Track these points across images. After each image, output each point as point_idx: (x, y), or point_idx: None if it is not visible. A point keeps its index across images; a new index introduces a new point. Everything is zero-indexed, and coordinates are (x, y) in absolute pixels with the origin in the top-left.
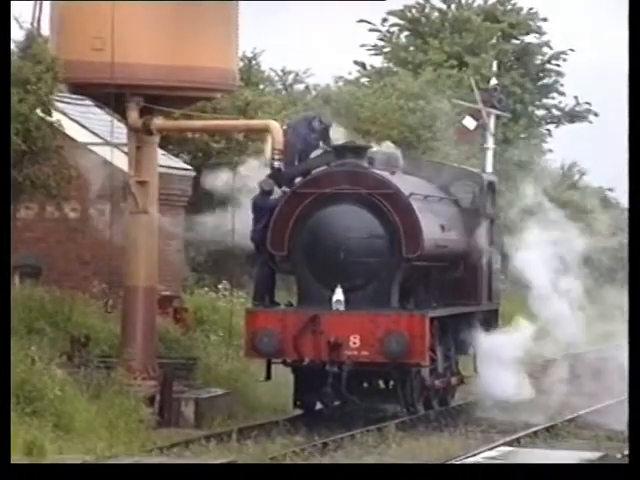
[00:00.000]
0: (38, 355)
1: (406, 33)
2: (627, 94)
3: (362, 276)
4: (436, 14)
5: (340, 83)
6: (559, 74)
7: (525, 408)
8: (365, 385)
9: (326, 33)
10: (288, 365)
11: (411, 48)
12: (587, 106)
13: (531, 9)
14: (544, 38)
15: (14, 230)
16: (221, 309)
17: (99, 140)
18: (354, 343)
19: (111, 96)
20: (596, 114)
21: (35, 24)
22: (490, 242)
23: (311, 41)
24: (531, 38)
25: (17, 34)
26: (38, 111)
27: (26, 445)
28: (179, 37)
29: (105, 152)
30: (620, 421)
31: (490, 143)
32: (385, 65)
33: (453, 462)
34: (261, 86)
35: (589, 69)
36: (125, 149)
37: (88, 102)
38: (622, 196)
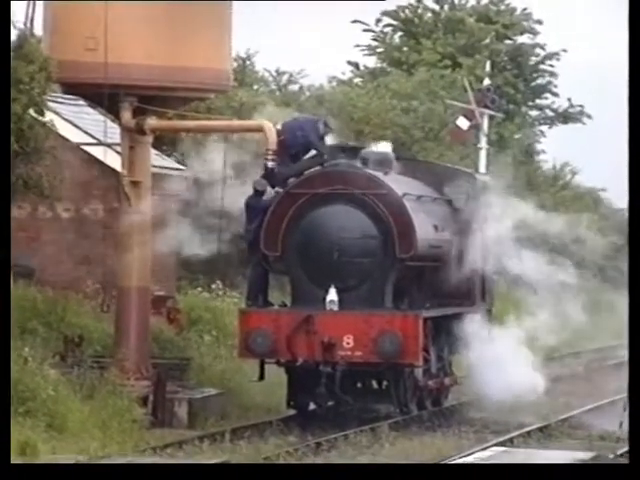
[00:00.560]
0: (31, 355)
1: (400, 33)
2: (627, 94)
3: (356, 276)
4: (429, 15)
5: (334, 83)
6: (552, 75)
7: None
8: (359, 385)
9: (320, 34)
10: (282, 365)
11: (404, 48)
12: (580, 107)
13: (525, 9)
14: (538, 39)
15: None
16: (214, 309)
17: (92, 140)
18: (348, 343)
19: (104, 96)
20: (589, 116)
21: (28, 24)
22: (483, 242)
23: (305, 42)
24: (525, 38)
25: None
26: (31, 111)
27: (19, 445)
28: (173, 37)
29: (98, 152)
30: (612, 421)
31: (483, 143)
32: (378, 65)
33: (446, 462)
34: (255, 87)
35: (582, 70)
36: (118, 149)
37: (81, 102)
38: (615, 196)
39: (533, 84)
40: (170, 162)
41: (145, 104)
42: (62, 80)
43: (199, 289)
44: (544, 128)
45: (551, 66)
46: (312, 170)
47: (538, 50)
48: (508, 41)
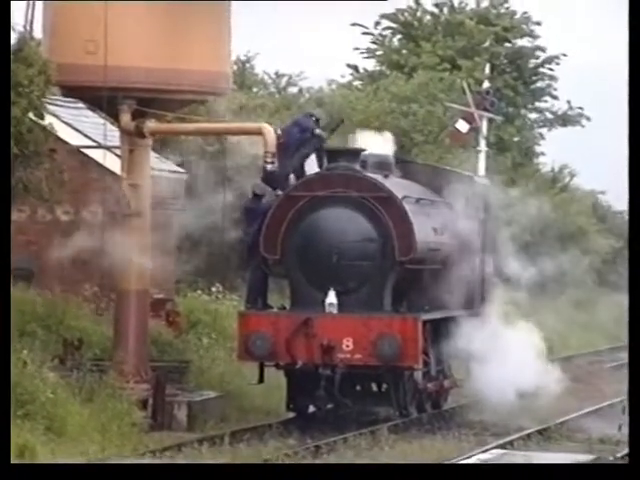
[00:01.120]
0: (30, 358)
1: (399, 36)
2: (627, 96)
3: (355, 279)
4: (428, 17)
5: (333, 86)
6: (552, 78)
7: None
8: (358, 388)
9: (319, 36)
10: (281, 368)
11: (404, 51)
12: (580, 110)
13: (525, 13)
14: (537, 42)
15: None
16: (214, 312)
17: (92, 143)
18: (347, 346)
19: (104, 99)
20: (588, 118)
21: (27, 27)
22: (482, 245)
23: (304, 44)
24: (524, 42)
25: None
26: (30, 114)
27: (18, 448)
28: (172, 40)
29: (97, 155)
30: (611, 424)
31: (483, 146)
32: (378, 68)
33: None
34: (255, 89)
35: (582, 72)
36: (118, 152)
37: (81, 105)
38: (614, 199)
39: (533, 87)
40: (170, 165)
41: (144, 107)
42: (62, 83)
43: (198, 292)
44: (543, 131)
45: (550, 69)
46: (312, 173)
47: (538, 53)
48: (508, 44)
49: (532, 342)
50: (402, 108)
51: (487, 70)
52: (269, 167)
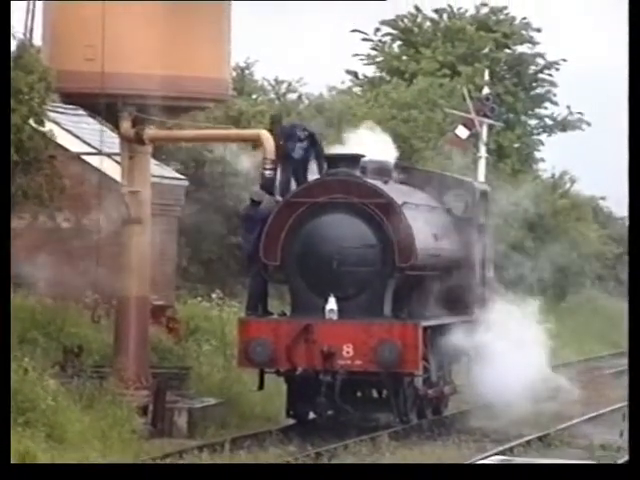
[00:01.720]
0: (31, 365)
1: (399, 43)
2: (627, 97)
3: (355, 285)
4: (428, 24)
5: (333, 92)
6: (552, 84)
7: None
8: (358, 394)
9: (319, 43)
10: (281, 374)
11: (404, 57)
12: (579, 115)
13: (524, 19)
14: (537, 48)
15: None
16: (214, 318)
17: (92, 150)
18: (347, 352)
19: (104, 106)
20: (588, 123)
21: (27, 34)
22: (483, 251)
23: (304, 51)
24: (524, 48)
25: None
26: (31, 121)
27: (19, 455)
28: (172, 47)
29: (97, 162)
30: (612, 430)
31: (483, 152)
32: (378, 75)
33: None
34: (254, 96)
35: (581, 77)
36: (118, 159)
37: (81, 112)
38: (614, 205)
39: (532, 93)
40: (170, 171)
41: (144, 114)
42: (61, 90)
43: (198, 298)
44: (543, 137)
45: (550, 75)
46: (312, 179)
47: (538, 59)
48: (508, 50)
49: (533, 348)
50: (402, 114)
51: (486, 76)
52: (268, 174)
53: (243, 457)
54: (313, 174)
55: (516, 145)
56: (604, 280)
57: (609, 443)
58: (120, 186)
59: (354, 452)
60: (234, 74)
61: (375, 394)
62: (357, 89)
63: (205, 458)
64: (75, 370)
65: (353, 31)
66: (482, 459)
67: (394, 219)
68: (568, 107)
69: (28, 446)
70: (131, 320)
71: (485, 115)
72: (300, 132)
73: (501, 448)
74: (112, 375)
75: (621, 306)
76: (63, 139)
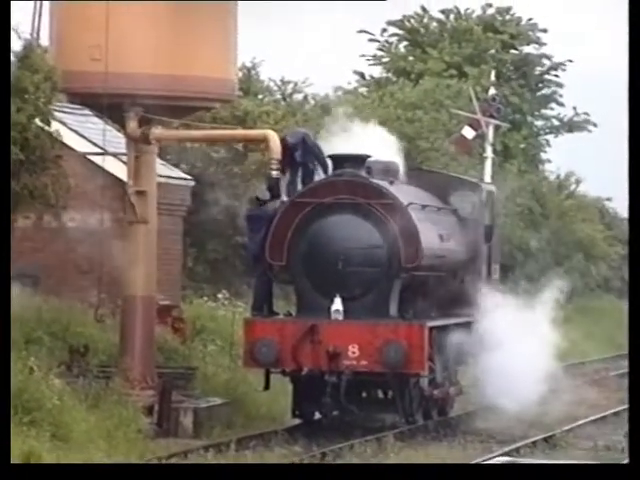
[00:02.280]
0: (36, 365)
1: (405, 43)
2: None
3: (361, 286)
4: (435, 24)
5: (339, 93)
6: (558, 84)
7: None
8: (364, 395)
9: (325, 43)
10: (287, 375)
11: (410, 58)
12: (586, 116)
13: (530, 20)
14: (543, 49)
15: (12, 240)
16: (220, 318)
17: (98, 149)
18: (353, 353)
19: (110, 106)
20: (595, 124)
21: (34, 34)
22: (489, 251)
23: (310, 51)
24: (530, 49)
25: (15, 44)
26: (37, 120)
27: (24, 455)
28: (178, 47)
29: (102, 161)
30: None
31: (489, 153)
32: (384, 75)
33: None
34: (260, 96)
35: (588, 78)
36: (124, 158)
37: (87, 112)
38: (620, 206)
39: (539, 94)
40: (176, 171)
41: (150, 114)
42: (68, 90)
43: (204, 298)
44: (549, 137)
45: (556, 76)
46: (318, 180)
47: (544, 60)
48: (514, 51)
49: (539, 349)
50: (407, 115)
51: (493, 77)
52: (274, 174)
53: (249, 457)
54: (319, 176)
55: (522, 146)
56: (610, 281)
57: (614, 444)
58: (126, 186)
59: (359, 452)
60: (240, 74)
61: (381, 395)
62: (363, 89)
63: (210, 458)
64: (81, 370)
65: (360, 32)
66: (488, 460)
67: (400, 220)
68: (574, 108)
69: (33, 446)
70: (137, 320)
71: (491, 116)
72: (287, 144)
73: (507, 449)
74: (118, 375)
75: (626, 307)
76: (69, 139)
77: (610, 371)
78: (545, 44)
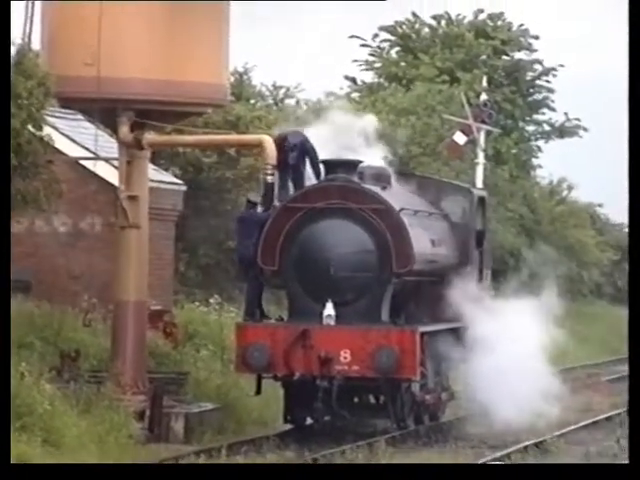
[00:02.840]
0: (27, 370)
1: (397, 48)
2: (627, 100)
3: (353, 291)
4: (426, 30)
5: (331, 98)
6: (549, 90)
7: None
8: (355, 400)
9: (317, 48)
10: (278, 380)
11: (402, 63)
12: (577, 122)
13: (522, 25)
14: (535, 54)
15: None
16: (211, 323)
17: (90, 154)
18: (345, 358)
19: (102, 110)
20: (586, 129)
21: (26, 39)
22: (480, 256)
23: (302, 56)
24: (522, 54)
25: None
26: (29, 126)
27: (16, 460)
28: (170, 52)
29: (94, 166)
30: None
31: (480, 158)
32: (376, 80)
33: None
34: (252, 101)
35: (579, 83)
36: (116, 163)
37: (79, 116)
38: (612, 212)
39: (530, 99)
40: (168, 176)
41: (142, 119)
42: (60, 95)
43: (196, 303)
44: (541, 143)
45: (548, 81)
46: (310, 185)
47: (535, 66)
48: (506, 57)
49: (531, 354)
50: (400, 120)
51: (484, 83)
52: (269, 179)
53: (240, 462)
54: (310, 181)
55: (514, 151)
56: (602, 287)
57: (605, 450)
58: (118, 191)
59: (351, 458)
60: (232, 79)
61: (372, 400)
62: (355, 95)
63: (202, 463)
64: (72, 375)
65: (351, 37)
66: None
67: (392, 225)
68: (566, 114)
69: (24, 451)
70: (129, 325)
71: (483, 121)
72: (287, 143)
73: (498, 454)
74: (109, 380)
75: (619, 313)
76: (61, 144)
77: (602, 376)
78: (536, 50)
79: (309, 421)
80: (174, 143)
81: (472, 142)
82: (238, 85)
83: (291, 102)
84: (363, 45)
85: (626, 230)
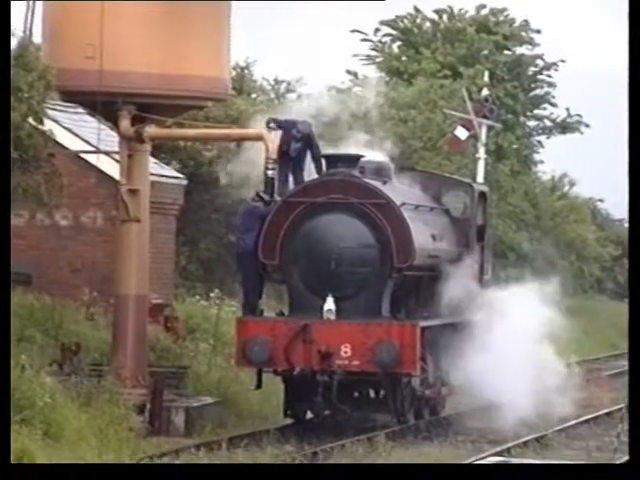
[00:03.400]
0: (28, 363)
1: (398, 43)
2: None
3: (353, 285)
4: (428, 24)
5: (332, 92)
6: (551, 85)
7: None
8: (356, 395)
9: (318, 43)
10: (279, 374)
11: (404, 58)
12: (578, 117)
13: (524, 20)
14: (537, 49)
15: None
16: (212, 317)
17: (91, 148)
18: (345, 352)
19: (103, 104)
20: (587, 125)
21: (27, 32)
22: (481, 251)
23: (303, 51)
24: (524, 49)
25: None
26: (30, 119)
27: (16, 453)
28: (171, 46)
29: (96, 160)
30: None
31: (481, 153)
32: (377, 75)
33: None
34: (253, 95)
35: (581, 79)
36: (117, 157)
37: (80, 110)
38: (612, 207)
39: (532, 94)
40: (169, 170)
41: (143, 112)
42: (61, 88)
43: (197, 297)
44: (542, 138)
45: (549, 76)
46: (311, 179)
47: (537, 60)
48: (507, 52)
49: (531, 349)
50: (401, 115)
51: (486, 78)
52: (270, 173)
53: (240, 456)
54: (311, 175)
55: (515, 146)
56: (602, 282)
57: (606, 445)
58: (119, 184)
59: (351, 452)
60: (234, 73)
61: (372, 394)
62: (357, 89)
63: (202, 457)
64: (73, 368)
65: (353, 31)
66: (479, 460)
67: (393, 219)
68: (567, 109)
69: (25, 444)
70: (129, 318)
71: (484, 116)
72: (295, 132)
73: (498, 449)
74: (110, 373)
75: (619, 308)
76: (62, 137)
77: (602, 371)
78: (539, 44)
79: (309, 415)
80: (175, 137)
81: (474, 137)
82: (239, 79)
83: (292, 96)
84: (365, 39)
85: (627, 225)
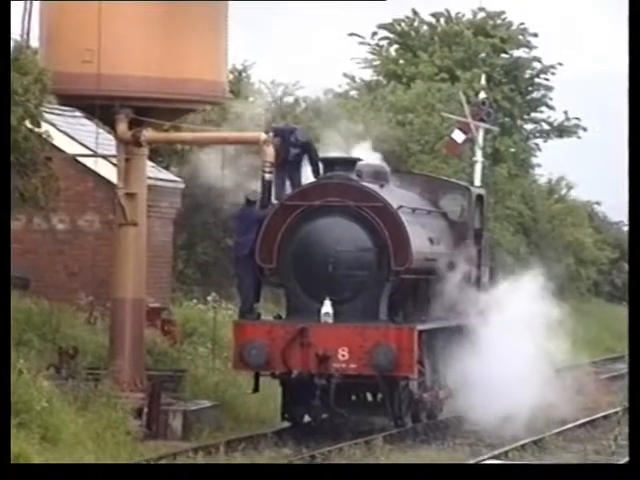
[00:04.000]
0: (25, 367)
1: (396, 46)
2: (627, 101)
3: (351, 289)
4: (425, 28)
5: (330, 96)
6: (548, 88)
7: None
8: (353, 398)
9: (316, 46)
10: (276, 377)
11: (401, 61)
12: (576, 121)
13: (521, 24)
14: (534, 52)
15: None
16: (210, 321)
17: (88, 152)
18: (342, 356)
19: (101, 108)
20: (585, 129)
21: (24, 35)
22: (478, 255)
23: (301, 54)
24: (521, 52)
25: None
26: (27, 123)
27: (14, 457)
28: (169, 49)
29: (93, 163)
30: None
31: (479, 157)
32: (375, 78)
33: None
34: (251, 98)
35: (578, 82)
36: (114, 161)
37: (78, 114)
38: (609, 210)
39: (529, 97)
40: (166, 174)
41: (141, 116)
42: (58, 92)
43: (194, 301)
44: (539, 141)
45: (546, 79)
46: (308, 182)
47: (534, 64)
48: (504, 55)
49: (529, 352)
50: (399, 118)
51: (483, 81)
52: (267, 176)
53: (238, 460)
54: (309, 179)
55: (512, 150)
56: (599, 285)
57: (603, 448)
58: (116, 188)
59: (349, 455)
60: (231, 76)
61: (370, 398)
62: (354, 93)
63: (200, 460)
64: (70, 372)
65: (350, 35)
66: (476, 463)
67: (390, 223)
68: (565, 112)
69: (22, 448)
70: (126, 322)
71: (481, 119)
72: (294, 138)
73: (496, 452)
74: (107, 377)
75: (616, 311)
76: (59, 141)
77: (600, 374)
78: (536, 47)
79: (307, 419)
80: (172, 140)
81: (471, 140)
82: (237, 82)
83: (290, 100)
84: (362, 43)
85: (624, 228)
